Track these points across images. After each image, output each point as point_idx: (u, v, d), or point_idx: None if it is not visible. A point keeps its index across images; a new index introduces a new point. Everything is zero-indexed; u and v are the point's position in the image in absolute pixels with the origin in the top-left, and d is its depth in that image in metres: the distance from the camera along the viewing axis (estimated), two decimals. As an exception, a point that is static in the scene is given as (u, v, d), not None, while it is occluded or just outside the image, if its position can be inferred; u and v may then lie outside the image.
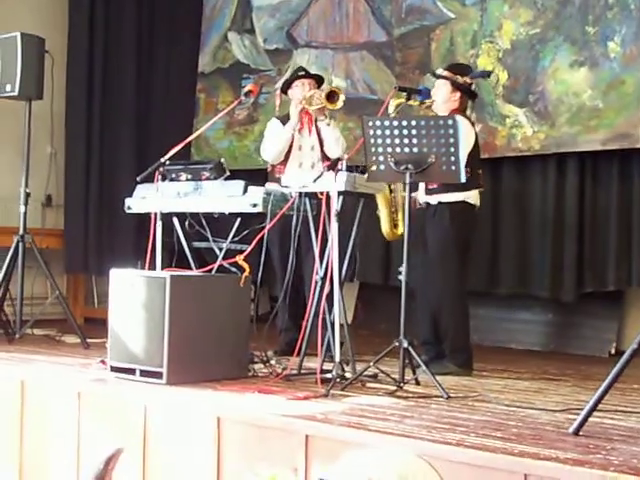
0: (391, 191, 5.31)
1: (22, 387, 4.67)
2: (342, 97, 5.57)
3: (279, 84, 7.86)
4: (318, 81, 6.01)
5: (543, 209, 6.76)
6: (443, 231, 5.25)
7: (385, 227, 5.36)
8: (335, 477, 1.92)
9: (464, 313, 5.32)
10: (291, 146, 5.86)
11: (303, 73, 5.99)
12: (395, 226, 5.39)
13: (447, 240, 5.23)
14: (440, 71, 5.47)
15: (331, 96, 5.60)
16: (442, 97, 5.32)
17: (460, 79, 5.36)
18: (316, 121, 5.82)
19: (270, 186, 5.39)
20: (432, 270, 5.28)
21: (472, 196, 5.29)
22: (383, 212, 5.32)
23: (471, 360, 5.32)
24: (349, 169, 4.79)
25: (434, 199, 5.28)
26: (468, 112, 5.54)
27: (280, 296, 5.58)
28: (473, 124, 5.43)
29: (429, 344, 5.37)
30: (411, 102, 5.29)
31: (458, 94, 5.35)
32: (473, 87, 5.48)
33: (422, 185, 5.32)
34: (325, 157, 5.75)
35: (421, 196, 5.34)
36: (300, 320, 5.09)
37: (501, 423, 3.75)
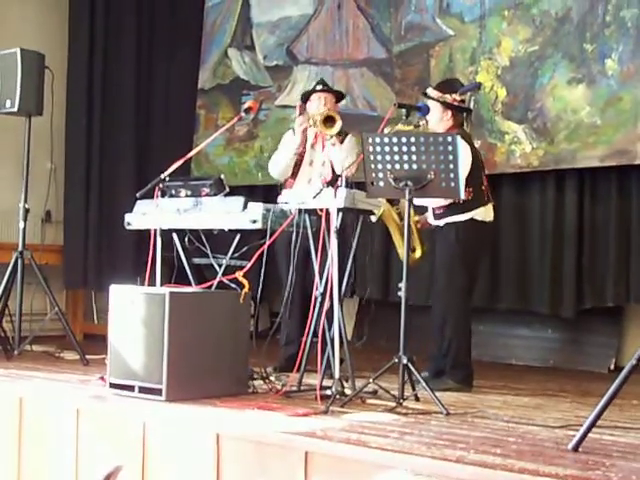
0: (401, 218, 5.28)
1: (20, 404, 4.66)
2: (339, 123, 5.51)
3: (279, 99, 7.92)
4: (338, 97, 5.96)
5: (542, 225, 6.78)
6: (449, 248, 5.27)
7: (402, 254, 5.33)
8: None
9: (467, 330, 5.32)
10: (302, 161, 5.85)
11: (321, 87, 5.90)
12: (413, 251, 5.36)
13: (453, 257, 5.25)
14: (429, 91, 5.46)
15: (328, 120, 5.56)
16: (435, 118, 5.33)
17: (449, 98, 5.35)
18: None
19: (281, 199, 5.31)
20: (438, 286, 5.30)
21: (480, 213, 5.28)
22: (398, 240, 5.31)
23: (471, 377, 5.31)
24: (347, 186, 4.79)
25: (442, 222, 5.31)
26: (465, 126, 5.53)
27: (281, 311, 5.58)
28: (471, 140, 5.42)
29: (432, 359, 5.37)
30: (403, 127, 5.23)
31: (450, 112, 5.36)
32: (470, 101, 5.49)
33: (430, 209, 5.34)
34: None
35: (430, 219, 5.38)
36: (302, 336, 5.08)
37: (500, 439, 3.75)
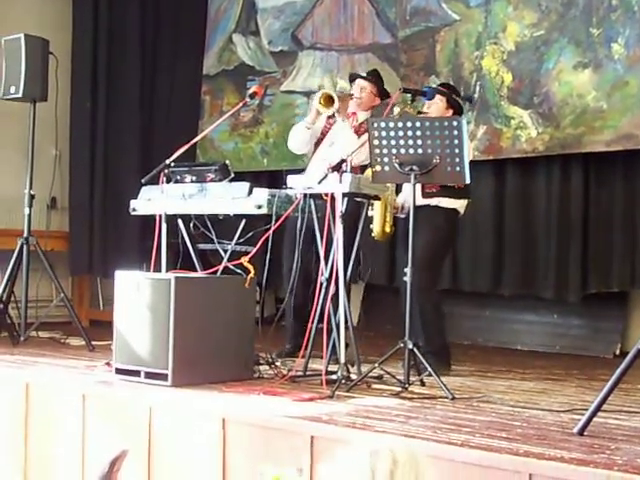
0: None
1: (27, 389, 4.67)
2: (336, 105, 5.50)
3: (285, 85, 7.89)
4: (382, 93, 5.87)
5: (547, 210, 6.77)
6: (436, 228, 5.28)
7: (377, 227, 5.36)
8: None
9: (442, 321, 5.40)
10: (322, 140, 5.82)
11: (364, 74, 5.95)
12: (385, 226, 5.40)
13: (437, 238, 5.29)
14: (437, 86, 5.52)
15: (328, 100, 5.55)
16: (437, 112, 5.37)
17: (455, 97, 5.49)
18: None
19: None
20: (416, 282, 5.15)
21: (462, 206, 5.41)
22: (379, 212, 5.31)
23: (449, 357, 5.37)
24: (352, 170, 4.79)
25: (433, 202, 5.31)
26: None
27: (287, 296, 5.58)
28: None
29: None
30: (409, 110, 5.28)
31: (451, 111, 5.44)
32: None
33: (419, 186, 5.31)
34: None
35: (417, 198, 5.32)
36: (306, 323, 5.08)
37: (506, 424, 3.76)
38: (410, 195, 5.34)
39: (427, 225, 5.25)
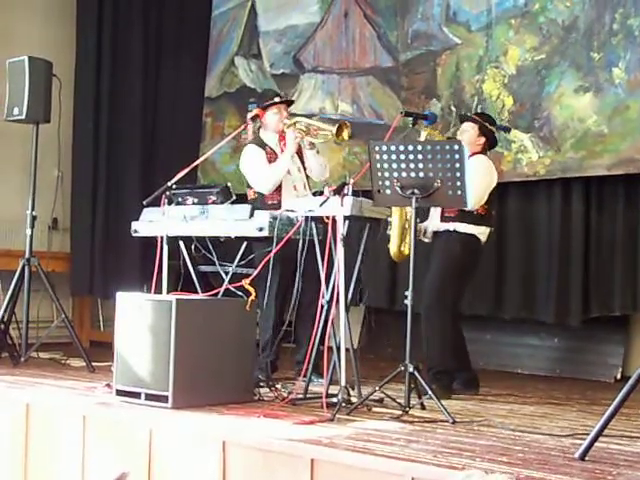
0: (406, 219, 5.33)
1: (27, 410, 4.66)
2: (347, 131, 5.53)
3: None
4: (289, 104, 6.11)
5: (548, 234, 6.77)
6: (450, 254, 5.32)
7: (394, 247, 5.36)
8: None
9: (453, 337, 5.37)
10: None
11: (279, 99, 5.97)
12: (402, 246, 5.40)
13: (452, 264, 5.30)
14: (471, 115, 5.63)
15: (339, 129, 5.56)
16: (468, 139, 5.39)
17: (488, 126, 5.51)
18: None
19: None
20: (426, 302, 5.28)
21: (483, 233, 5.41)
22: (396, 231, 5.31)
23: (451, 387, 5.32)
24: (354, 194, 4.80)
25: (450, 226, 5.36)
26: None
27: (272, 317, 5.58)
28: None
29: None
30: (439, 136, 5.33)
31: (483, 139, 5.49)
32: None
33: (437, 213, 5.36)
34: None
35: (434, 223, 5.39)
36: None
37: (507, 448, 3.75)
38: (430, 220, 5.44)
39: (442, 250, 5.33)
